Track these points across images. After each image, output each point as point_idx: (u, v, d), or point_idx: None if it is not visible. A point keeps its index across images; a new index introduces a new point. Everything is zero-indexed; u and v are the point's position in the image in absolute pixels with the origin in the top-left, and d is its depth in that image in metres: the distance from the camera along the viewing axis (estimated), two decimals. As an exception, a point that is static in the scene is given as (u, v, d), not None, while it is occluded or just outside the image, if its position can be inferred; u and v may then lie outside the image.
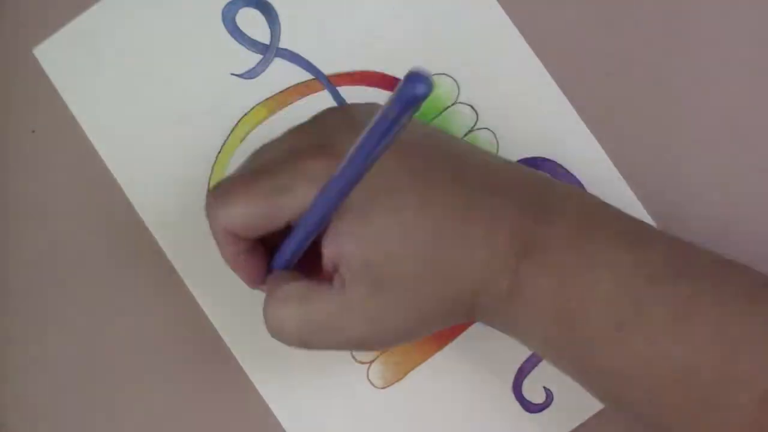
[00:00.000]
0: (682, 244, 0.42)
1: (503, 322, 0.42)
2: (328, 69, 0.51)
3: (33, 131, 0.50)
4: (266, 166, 0.41)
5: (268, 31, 0.51)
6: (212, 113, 0.50)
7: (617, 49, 0.51)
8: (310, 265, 0.42)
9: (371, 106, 0.42)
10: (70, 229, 0.50)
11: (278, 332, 0.41)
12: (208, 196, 0.42)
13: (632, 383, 0.40)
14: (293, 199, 0.39)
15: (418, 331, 0.42)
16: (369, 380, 0.49)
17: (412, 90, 0.30)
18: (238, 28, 0.51)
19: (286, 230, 0.41)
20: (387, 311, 0.40)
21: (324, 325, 0.40)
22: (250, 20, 0.51)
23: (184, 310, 0.50)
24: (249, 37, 0.51)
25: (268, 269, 0.43)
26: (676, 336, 0.39)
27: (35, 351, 0.50)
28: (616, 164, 0.50)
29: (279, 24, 0.51)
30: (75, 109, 0.50)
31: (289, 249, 0.41)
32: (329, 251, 0.40)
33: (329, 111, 0.43)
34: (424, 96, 0.30)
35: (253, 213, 0.40)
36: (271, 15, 0.51)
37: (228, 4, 0.51)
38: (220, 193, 0.41)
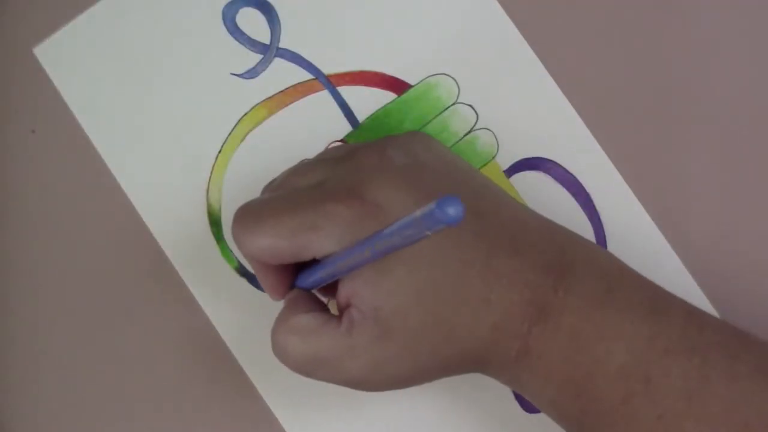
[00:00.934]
0: (699, 315, 0.41)
1: (509, 381, 0.42)
2: (328, 69, 0.50)
3: (33, 131, 0.50)
4: (294, 198, 0.41)
5: (268, 30, 0.51)
6: (212, 113, 0.50)
7: (618, 50, 0.51)
8: (331, 290, 0.43)
9: (411, 143, 0.43)
10: (70, 229, 0.50)
11: (282, 357, 0.42)
12: (235, 218, 0.42)
13: None
14: (319, 239, 0.40)
15: (418, 380, 0.42)
16: None
17: (443, 215, 0.31)
18: (238, 28, 0.51)
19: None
20: (389, 360, 0.40)
21: (326, 363, 0.41)
22: (250, 20, 0.51)
23: (185, 311, 0.50)
24: (249, 37, 0.51)
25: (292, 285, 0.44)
26: (687, 412, 0.38)
27: (34, 351, 0.50)
28: (615, 164, 0.50)
29: (279, 24, 0.51)
30: (75, 108, 0.50)
31: (312, 277, 0.42)
32: (344, 290, 0.41)
33: (365, 148, 0.43)
34: (455, 221, 0.31)
35: (278, 245, 0.41)
36: (271, 15, 0.51)
37: (228, 3, 0.51)
38: (248, 220, 0.42)
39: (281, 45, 0.51)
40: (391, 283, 0.40)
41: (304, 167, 0.44)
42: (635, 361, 0.39)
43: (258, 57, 0.51)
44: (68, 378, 0.49)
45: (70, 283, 0.50)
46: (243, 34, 0.51)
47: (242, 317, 0.49)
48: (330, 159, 0.44)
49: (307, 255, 0.41)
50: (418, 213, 0.32)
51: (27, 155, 0.50)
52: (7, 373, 0.49)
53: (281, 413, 0.49)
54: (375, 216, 0.39)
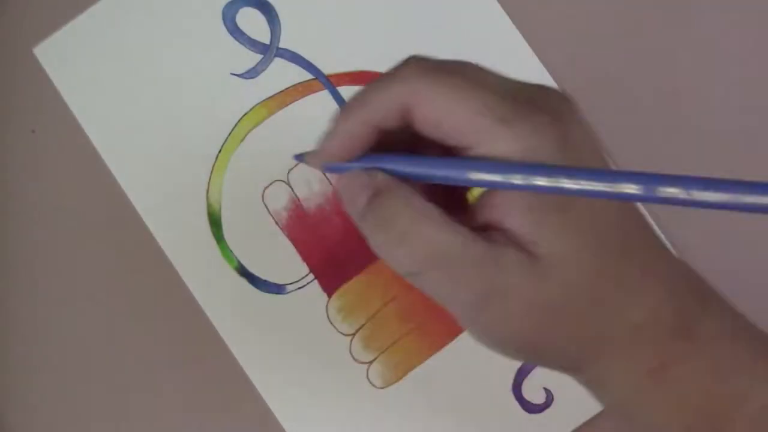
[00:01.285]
0: None
1: (627, 403, 0.36)
2: (328, 69, 0.51)
3: (33, 131, 0.50)
4: (520, 93, 0.33)
5: (268, 30, 0.51)
6: (212, 113, 0.50)
7: (618, 50, 0.51)
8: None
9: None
10: (70, 229, 0.50)
11: (402, 242, 0.33)
12: (416, 59, 0.34)
13: None
14: (533, 136, 0.32)
15: (529, 348, 0.35)
16: (369, 380, 0.49)
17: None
18: (238, 28, 0.51)
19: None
20: (527, 297, 0.33)
21: (451, 269, 0.32)
22: (250, 20, 0.51)
23: (184, 310, 0.50)
24: (249, 37, 0.51)
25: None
26: None
27: (34, 351, 0.50)
28: (616, 163, 0.50)
29: (279, 24, 0.51)
30: (75, 108, 0.50)
31: (428, 167, 0.33)
32: (501, 202, 0.33)
33: (556, 92, 0.35)
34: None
35: (456, 120, 0.32)
36: (271, 15, 0.51)
37: (228, 3, 0.51)
38: (447, 68, 0.34)
39: (281, 45, 0.51)
40: (562, 222, 0.33)
41: (524, 85, 0.35)
42: None
43: (258, 57, 0.51)
44: (67, 377, 0.50)
45: (70, 283, 0.50)
46: (243, 34, 0.51)
47: (242, 317, 0.49)
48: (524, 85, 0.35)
49: (474, 143, 0.33)
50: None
51: (27, 155, 0.50)
52: (7, 373, 0.50)
53: (281, 413, 0.49)
54: (577, 149, 0.33)
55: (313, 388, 0.49)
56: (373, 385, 0.49)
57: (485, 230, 0.33)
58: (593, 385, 0.35)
